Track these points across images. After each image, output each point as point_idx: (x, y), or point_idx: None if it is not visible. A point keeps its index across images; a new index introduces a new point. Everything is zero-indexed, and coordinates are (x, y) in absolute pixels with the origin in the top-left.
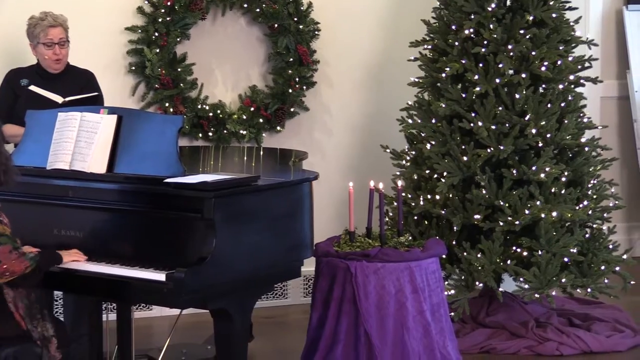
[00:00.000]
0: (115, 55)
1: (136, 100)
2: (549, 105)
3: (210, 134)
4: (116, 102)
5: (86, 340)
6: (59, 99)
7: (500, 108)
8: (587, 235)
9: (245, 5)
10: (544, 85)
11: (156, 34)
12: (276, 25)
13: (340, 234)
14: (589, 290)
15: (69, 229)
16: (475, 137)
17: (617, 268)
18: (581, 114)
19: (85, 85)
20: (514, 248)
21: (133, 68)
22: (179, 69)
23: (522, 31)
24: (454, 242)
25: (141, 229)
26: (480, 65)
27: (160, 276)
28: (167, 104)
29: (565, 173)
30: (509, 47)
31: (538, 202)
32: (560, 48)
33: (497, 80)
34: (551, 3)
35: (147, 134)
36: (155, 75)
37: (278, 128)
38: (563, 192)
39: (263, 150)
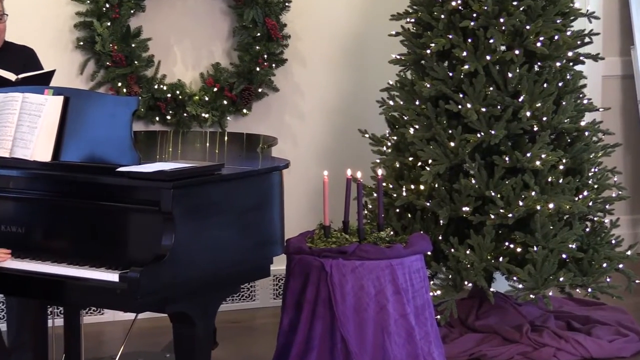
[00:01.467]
0: (60, 29)
1: (85, 79)
2: (545, 85)
3: (169, 117)
4: (62, 81)
5: (29, 348)
6: (11, 76)
7: (491, 88)
8: (587, 229)
9: None
10: (539, 63)
11: (107, 5)
12: None
13: (314, 228)
14: (589, 290)
15: (9, 224)
16: (463, 121)
17: (621, 265)
18: (581, 95)
19: (26, 64)
20: (507, 244)
21: (81, 43)
22: (133, 45)
23: (515, 2)
24: (440, 238)
25: (91, 224)
26: (469, 40)
27: (113, 276)
28: (119, 84)
29: (563, 160)
30: (501, 20)
31: (533, 193)
32: (558, 22)
33: (488, 58)
34: None
35: (98, 118)
36: (106, 51)
37: (244, 111)
38: (561, 181)
39: (227, 135)
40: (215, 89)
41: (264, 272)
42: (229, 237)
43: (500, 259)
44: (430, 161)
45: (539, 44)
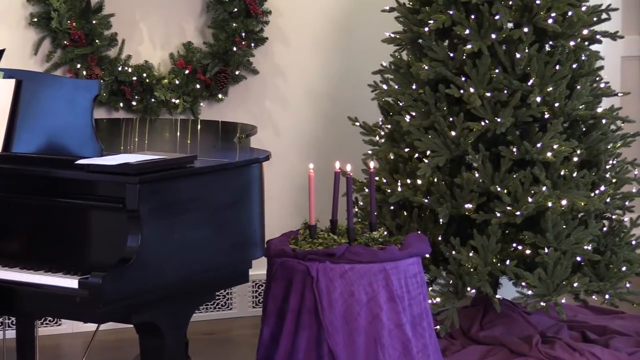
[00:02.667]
0: (11, 3)
1: (39, 60)
2: (557, 67)
3: (134, 103)
4: (14, 62)
5: None
6: None
7: (496, 71)
8: (604, 229)
9: None
10: (551, 42)
11: None
12: None
13: (298, 228)
14: (606, 297)
15: None
16: (465, 107)
17: None
18: (597, 78)
19: None
20: (514, 245)
21: (35, 20)
22: (94, 21)
23: None
24: (439, 238)
25: (47, 224)
26: (472, 17)
27: (72, 282)
28: (78, 66)
29: (578, 151)
30: None
31: (544, 188)
32: None
33: (493, 36)
34: None
35: (54, 104)
36: (63, 28)
37: (219, 96)
38: (575, 175)
39: (201, 123)
40: (187, 72)
41: (242, 278)
42: (202, 238)
43: (507, 262)
44: (428, 152)
45: (550, 21)
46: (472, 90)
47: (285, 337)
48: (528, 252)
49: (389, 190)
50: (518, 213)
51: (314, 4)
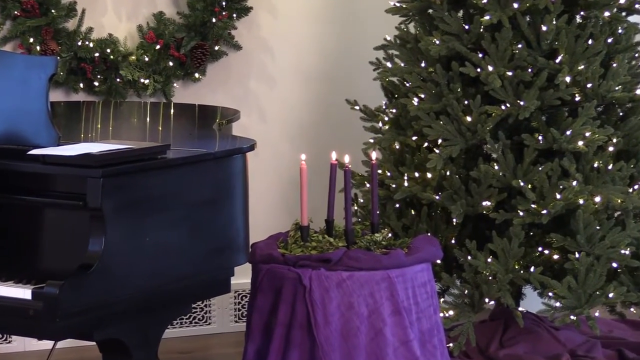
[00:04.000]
0: None
1: None
2: (589, 42)
3: (97, 84)
4: None
5: None
6: None
7: (519, 46)
8: None
9: None
10: (582, 13)
11: None
12: None
13: (288, 229)
14: None
15: None
16: (483, 89)
17: None
18: (636, 55)
19: None
20: (540, 249)
21: None
22: None
23: None
24: (453, 241)
25: None
26: None
27: (24, 292)
28: (31, 40)
29: (614, 140)
30: None
31: (574, 183)
32: None
33: (515, 5)
34: None
35: (3, 85)
36: None
37: (196, 75)
38: (610, 167)
39: (174, 107)
40: (158, 47)
41: (223, 287)
42: (176, 241)
43: (532, 269)
44: (439, 141)
45: None
46: (490, 68)
47: (273, 356)
48: (556, 257)
49: (393, 185)
50: (544, 212)
51: None
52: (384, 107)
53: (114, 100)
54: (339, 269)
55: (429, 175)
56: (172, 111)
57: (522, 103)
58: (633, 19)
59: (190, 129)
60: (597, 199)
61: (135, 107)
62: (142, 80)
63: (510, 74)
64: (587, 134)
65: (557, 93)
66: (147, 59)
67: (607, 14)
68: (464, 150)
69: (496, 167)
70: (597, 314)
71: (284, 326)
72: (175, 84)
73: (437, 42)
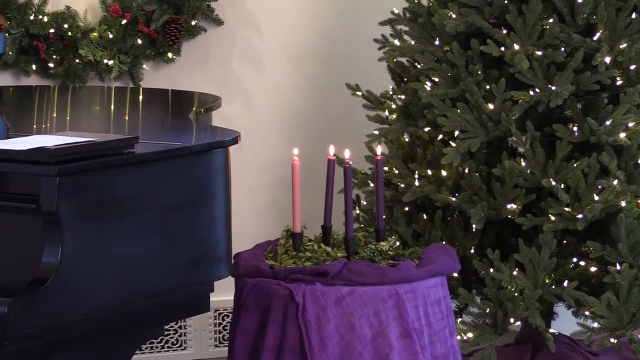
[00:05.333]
0: None
1: None
2: (633, 16)
3: (52, 65)
4: None
5: None
6: None
7: (550, 20)
8: None
9: None
10: None
11: None
12: None
13: (277, 237)
14: None
15: None
16: (508, 71)
17: None
18: None
19: None
20: (575, 260)
21: None
22: None
23: None
24: (472, 251)
25: None
26: None
27: None
28: None
29: None
30: None
31: (615, 182)
32: None
33: None
34: None
35: None
36: None
37: (169, 55)
38: None
39: (144, 93)
40: (124, 22)
41: (201, 305)
42: (147, 252)
43: (565, 283)
44: (457, 133)
45: None
46: (516, 47)
47: None
48: (593, 269)
49: (402, 185)
50: (580, 216)
51: None
52: (391, 92)
53: (72, 85)
54: (338, 283)
55: (444, 173)
56: (141, 97)
57: (553, 88)
58: None
59: (162, 118)
60: None
61: (97, 92)
62: (105, 61)
63: (539, 53)
64: (630, 125)
65: (595, 76)
66: (111, 36)
67: None
68: (485, 143)
69: (523, 164)
70: None
71: (273, 351)
72: (144, 66)
73: (454, 16)
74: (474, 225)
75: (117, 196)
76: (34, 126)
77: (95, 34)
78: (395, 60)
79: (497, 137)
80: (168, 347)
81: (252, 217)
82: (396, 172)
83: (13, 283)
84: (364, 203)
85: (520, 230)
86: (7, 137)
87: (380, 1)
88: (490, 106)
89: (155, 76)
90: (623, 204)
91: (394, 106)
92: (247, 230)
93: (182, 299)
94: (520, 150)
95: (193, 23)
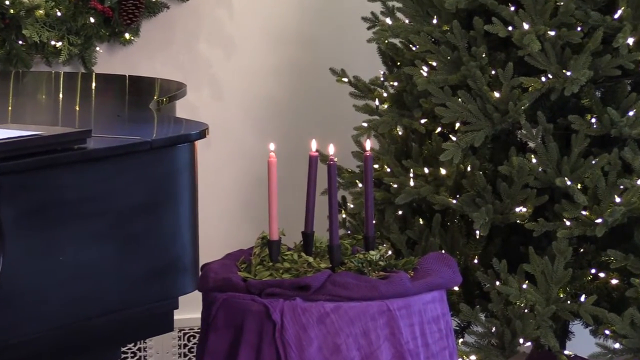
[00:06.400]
0: None
1: None
2: None
3: None
4: None
5: None
6: None
7: None
8: None
9: None
10: None
11: None
12: None
13: (252, 245)
14: None
15: None
16: (516, 54)
17: None
18: None
19: None
20: (593, 271)
21: None
22: None
23: None
24: (475, 261)
25: None
26: None
27: None
28: None
29: None
30: None
31: (639, 181)
32: None
33: None
34: None
35: None
36: None
37: (127, 36)
38: None
39: (97, 79)
40: None
41: (163, 324)
42: (99, 262)
43: (582, 298)
44: (458, 125)
45: None
46: (526, 26)
47: None
48: (614, 282)
49: (395, 186)
50: (599, 221)
51: None
52: (381, 79)
53: (14, 70)
54: (321, 298)
55: (442, 171)
56: (93, 85)
57: (568, 73)
58: None
59: (118, 109)
60: None
61: (43, 78)
62: (52, 42)
63: (552, 33)
64: None
65: (616, 60)
66: (59, 13)
67: None
68: (491, 137)
69: (534, 161)
70: None
71: None
72: (98, 48)
73: None
74: (477, 232)
75: (66, 198)
76: None
77: (41, 11)
78: (386, 41)
79: (504, 130)
80: None
81: (222, 223)
82: (388, 170)
83: None
84: (351, 206)
85: (530, 237)
86: None
87: None
88: (496, 94)
89: (111, 60)
90: None
91: (385, 94)
92: (217, 238)
93: (142, 317)
94: (531, 145)
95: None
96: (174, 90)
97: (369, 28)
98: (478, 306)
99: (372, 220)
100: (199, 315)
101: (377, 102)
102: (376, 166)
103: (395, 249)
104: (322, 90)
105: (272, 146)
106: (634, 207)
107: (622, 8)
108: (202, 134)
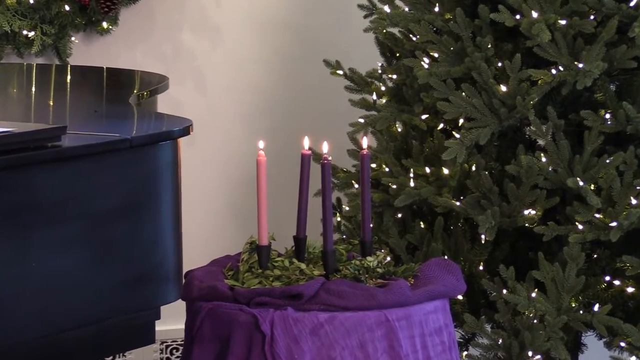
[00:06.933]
0: None
1: None
2: None
3: None
4: None
5: None
6: None
7: None
8: None
9: None
10: None
11: None
12: None
13: (239, 251)
14: None
15: None
16: (524, 44)
17: None
18: None
19: None
20: (608, 278)
21: None
22: None
23: None
24: (481, 268)
25: None
26: None
27: None
28: None
29: None
30: None
31: None
32: None
33: None
34: None
35: None
36: None
37: (104, 25)
38: None
39: (73, 72)
40: None
41: (144, 336)
42: (75, 270)
43: (596, 307)
44: (461, 121)
45: None
46: (535, 15)
47: None
48: (630, 290)
49: (394, 186)
50: (614, 224)
51: None
52: (379, 71)
53: None
54: (315, 308)
55: (445, 171)
56: (69, 77)
57: (580, 65)
58: None
59: (95, 103)
60: None
61: (14, 71)
62: (24, 32)
63: (563, 23)
64: None
65: (632, 51)
66: (32, 1)
67: None
68: (497, 134)
69: (544, 159)
70: None
71: None
72: (73, 38)
73: None
74: (482, 236)
75: (38, 201)
76: None
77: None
78: (385, 31)
79: (511, 127)
80: None
81: (208, 226)
82: (386, 170)
83: None
84: (347, 209)
85: (540, 242)
86: None
87: None
88: (503, 88)
89: (87, 51)
90: None
91: (383, 88)
92: (202, 243)
93: (121, 329)
94: (540, 142)
95: None
96: (155, 84)
97: (365, 16)
98: (483, 316)
99: (369, 223)
100: (183, 327)
101: (374, 97)
102: (373, 165)
103: (395, 254)
104: (316, 83)
105: (261, 144)
106: None
107: None
108: (186, 131)
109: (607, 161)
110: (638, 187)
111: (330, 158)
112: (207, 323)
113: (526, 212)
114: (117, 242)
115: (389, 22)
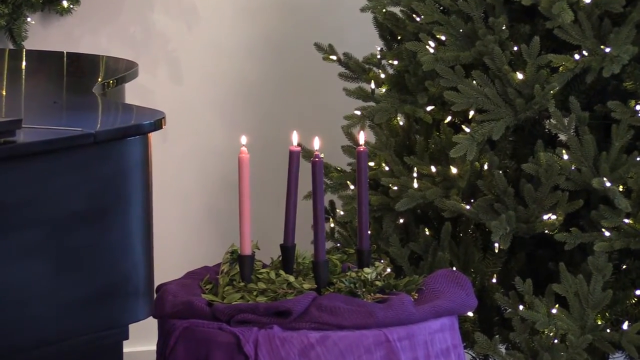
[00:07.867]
0: None
1: None
2: None
3: None
4: None
5: None
6: None
7: None
8: None
9: None
10: None
11: None
12: None
13: (219, 261)
14: None
15: None
16: (543, 26)
17: None
18: None
19: None
20: (638, 292)
21: None
22: None
23: None
24: (494, 280)
25: None
26: None
27: None
28: None
29: None
30: None
31: None
32: None
33: None
34: None
35: None
36: None
37: (64, 4)
38: None
39: (28, 57)
40: None
41: (110, 358)
42: (31, 283)
43: (625, 325)
44: (472, 113)
45: None
46: None
47: None
48: None
49: (395, 188)
50: None
51: None
52: (378, 56)
53: None
54: (305, 327)
55: (454, 170)
56: (24, 63)
57: (607, 50)
58: None
59: (54, 93)
60: None
61: None
62: None
63: (588, 1)
64: None
65: None
66: None
67: None
68: (513, 128)
69: (565, 157)
70: None
71: None
72: (29, 19)
73: None
74: (496, 244)
75: None
76: None
77: None
78: (384, 10)
79: (528, 120)
80: None
81: (183, 233)
82: (386, 169)
83: None
84: (342, 213)
85: (561, 251)
86: None
87: None
88: (519, 76)
89: (45, 33)
90: None
91: (383, 76)
92: (176, 252)
93: (85, 349)
94: (562, 137)
95: None
96: (122, 71)
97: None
98: (497, 336)
99: (367, 230)
100: (154, 347)
101: (372, 85)
102: (372, 164)
103: (396, 265)
104: (305, 70)
105: (243, 139)
106: None
107: None
108: (158, 125)
109: (638, 159)
110: None
111: (322, 155)
112: (182, 344)
113: (545, 217)
114: (80, 251)
115: (390, 1)
